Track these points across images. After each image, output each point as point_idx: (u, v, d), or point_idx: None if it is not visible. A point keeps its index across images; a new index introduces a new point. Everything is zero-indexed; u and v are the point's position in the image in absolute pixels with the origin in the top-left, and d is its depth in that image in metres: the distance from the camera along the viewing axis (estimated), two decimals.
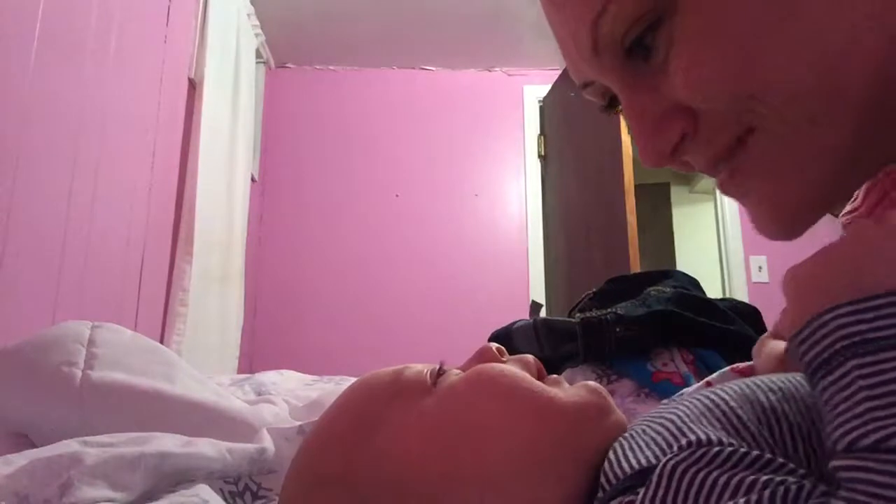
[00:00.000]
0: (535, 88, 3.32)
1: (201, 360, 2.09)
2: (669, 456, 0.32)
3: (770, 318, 0.55)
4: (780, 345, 0.49)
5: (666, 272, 0.97)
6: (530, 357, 0.45)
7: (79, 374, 0.66)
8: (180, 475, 0.54)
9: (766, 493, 0.27)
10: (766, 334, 0.53)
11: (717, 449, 0.31)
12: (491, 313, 2.47)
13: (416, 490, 0.39)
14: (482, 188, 3.28)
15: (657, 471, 0.31)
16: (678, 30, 0.35)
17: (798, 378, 0.37)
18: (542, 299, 3.06)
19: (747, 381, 0.38)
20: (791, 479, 0.28)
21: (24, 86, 1.34)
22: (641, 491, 0.31)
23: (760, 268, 3.11)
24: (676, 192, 4.73)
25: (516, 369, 0.43)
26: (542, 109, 3.33)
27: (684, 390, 0.52)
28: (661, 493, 0.30)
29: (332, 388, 0.95)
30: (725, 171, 0.40)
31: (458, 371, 0.45)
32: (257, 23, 2.84)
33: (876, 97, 0.35)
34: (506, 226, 3.24)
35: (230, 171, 2.48)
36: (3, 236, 1.27)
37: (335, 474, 0.41)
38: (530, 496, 0.38)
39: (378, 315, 3.07)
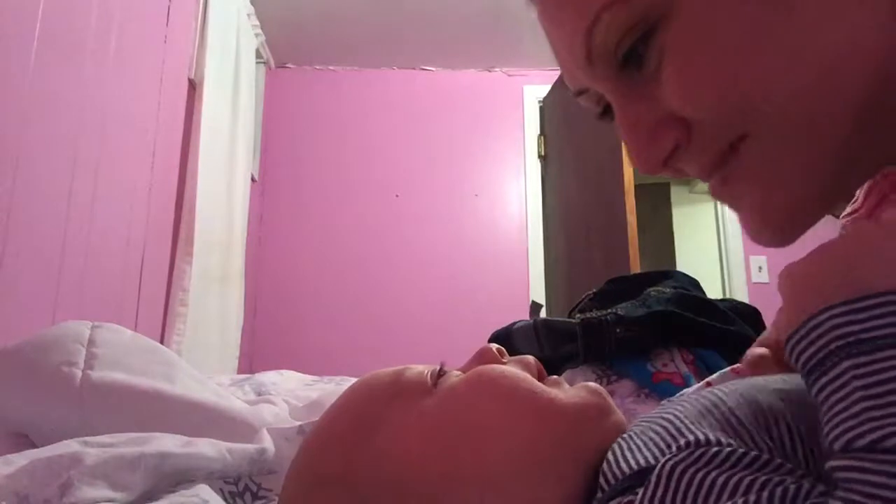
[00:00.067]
0: (535, 88, 3.32)
1: (201, 360, 2.09)
2: (668, 456, 0.32)
3: (770, 319, 0.55)
4: (759, 350, 0.50)
5: (666, 272, 0.97)
6: (531, 358, 0.45)
7: (79, 374, 0.66)
8: (180, 475, 0.54)
9: (765, 493, 0.27)
10: (755, 343, 0.54)
11: (715, 449, 0.31)
12: (491, 313, 2.47)
13: (417, 490, 0.39)
14: (482, 188, 3.28)
15: (656, 471, 0.31)
16: (670, 39, 0.35)
17: (797, 378, 0.37)
18: (542, 299, 3.06)
19: (747, 381, 0.38)
20: (789, 479, 0.28)
21: (24, 86, 1.34)
22: (640, 491, 0.31)
23: (760, 268, 3.11)
24: (676, 192, 4.73)
25: (517, 370, 0.43)
26: (542, 109, 3.33)
27: (684, 391, 0.52)
28: (659, 493, 0.30)
29: (332, 388, 0.95)
30: (718, 177, 0.40)
31: (459, 372, 0.45)
32: (257, 23, 2.84)
33: (876, 97, 0.35)
34: (506, 226, 3.24)
35: (230, 171, 2.48)
36: (3, 236, 1.27)
37: (335, 474, 0.41)
38: (530, 496, 0.38)
39: (378, 315, 3.07)
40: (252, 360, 2.91)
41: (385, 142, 3.30)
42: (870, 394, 0.25)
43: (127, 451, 0.51)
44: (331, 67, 3.39)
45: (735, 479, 0.29)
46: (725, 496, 0.28)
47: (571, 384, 0.44)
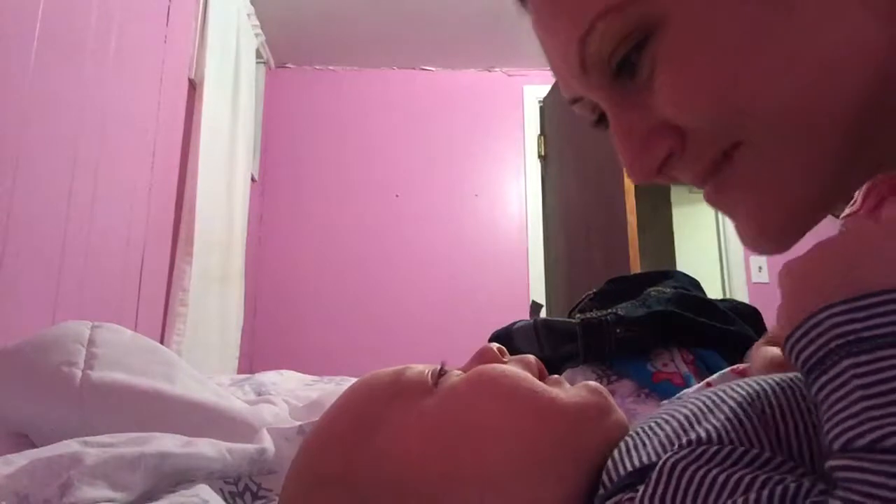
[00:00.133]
0: (535, 88, 3.32)
1: (201, 360, 2.09)
2: (670, 454, 0.32)
3: (770, 319, 0.55)
4: (773, 350, 0.50)
5: (666, 272, 0.97)
6: (531, 357, 0.45)
7: (79, 374, 0.66)
8: (180, 475, 0.54)
9: (765, 492, 0.27)
10: (761, 339, 0.53)
11: (717, 447, 0.31)
12: (491, 313, 2.47)
13: (417, 490, 0.39)
14: (482, 188, 3.28)
15: (657, 468, 0.31)
16: (663, 48, 0.35)
17: (798, 377, 0.37)
18: (542, 299, 3.06)
19: (748, 380, 0.38)
20: (790, 477, 0.28)
21: (24, 86, 1.34)
22: (641, 488, 0.31)
23: (760, 268, 3.11)
24: (676, 192, 4.72)
25: (518, 370, 0.43)
26: (542, 109, 3.33)
27: (685, 391, 0.52)
28: (660, 490, 0.30)
29: (332, 388, 0.95)
30: (712, 184, 0.40)
31: (459, 372, 0.45)
32: (257, 23, 2.84)
33: (876, 96, 0.35)
34: (506, 226, 3.24)
35: (230, 171, 2.48)
36: (3, 236, 1.27)
37: (335, 474, 0.41)
38: (531, 496, 0.38)
39: (378, 315, 3.07)
40: (252, 360, 2.91)
41: (385, 142, 3.30)
42: (870, 393, 0.25)
43: (127, 451, 0.51)
44: (331, 67, 3.39)
45: (736, 477, 0.29)
46: (726, 494, 0.28)
47: (572, 384, 0.43)
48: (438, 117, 3.34)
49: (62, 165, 1.48)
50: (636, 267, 2.36)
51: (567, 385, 0.43)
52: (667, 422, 0.36)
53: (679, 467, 0.31)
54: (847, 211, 0.52)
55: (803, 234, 0.39)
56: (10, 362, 0.68)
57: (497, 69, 3.40)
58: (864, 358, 0.26)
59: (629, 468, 0.34)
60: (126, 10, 1.73)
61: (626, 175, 2.52)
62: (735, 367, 0.57)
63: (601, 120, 0.43)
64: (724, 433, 0.32)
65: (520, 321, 0.94)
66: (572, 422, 0.40)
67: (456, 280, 3.13)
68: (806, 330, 0.29)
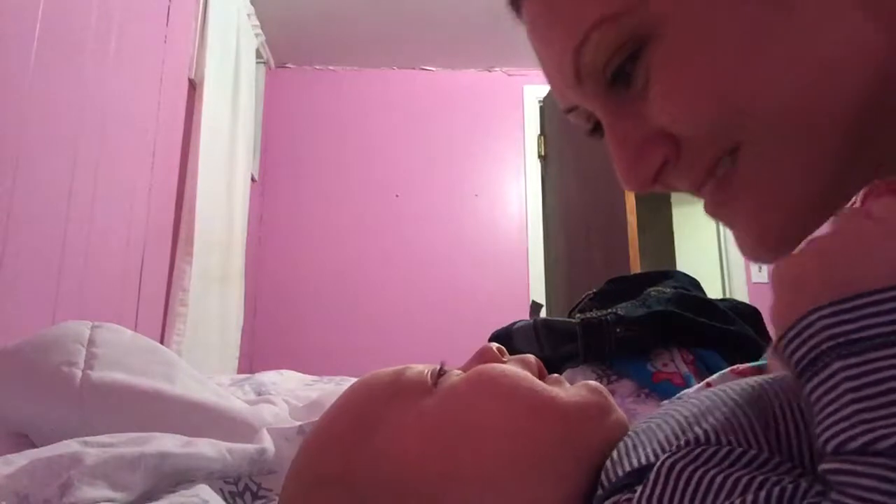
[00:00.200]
0: (535, 88, 3.32)
1: (201, 360, 2.09)
2: (668, 454, 0.32)
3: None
4: None
5: (666, 272, 0.97)
6: (531, 357, 0.45)
7: (79, 374, 0.66)
8: (180, 475, 0.54)
9: (762, 493, 0.27)
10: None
11: (715, 447, 0.31)
12: (491, 313, 2.47)
13: (416, 490, 0.39)
14: (482, 188, 3.28)
15: (655, 469, 0.31)
16: (657, 58, 0.36)
17: None
18: (542, 299, 3.06)
19: (747, 380, 0.38)
20: (787, 478, 0.28)
21: (24, 86, 1.34)
22: (639, 489, 0.31)
23: (760, 268, 3.10)
24: (676, 193, 4.72)
25: (517, 369, 0.43)
26: (542, 109, 3.33)
27: (685, 391, 0.52)
28: (658, 490, 0.30)
29: (332, 388, 0.95)
30: (710, 193, 0.40)
31: (459, 371, 0.45)
32: (257, 23, 2.84)
33: (876, 96, 0.35)
34: (506, 226, 3.24)
35: (230, 171, 2.48)
36: (3, 236, 1.27)
37: (334, 474, 0.41)
38: (530, 496, 0.38)
39: (378, 315, 3.07)
40: (252, 360, 2.91)
41: (385, 142, 3.30)
42: (860, 395, 0.25)
43: (127, 451, 0.51)
44: (331, 67, 3.39)
45: (734, 477, 0.29)
46: (724, 495, 0.28)
47: (572, 384, 0.43)
48: (438, 117, 3.34)
49: (62, 165, 1.48)
50: (636, 267, 2.36)
51: (567, 384, 0.43)
52: (666, 422, 0.36)
53: (677, 468, 0.31)
54: None
55: (801, 240, 0.38)
56: (10, 362, 0.68)
57: (497, 69, 3.40)
58: (853, 360, 0.26)
59: (627, 469, 0.34)
60: (126, 10, 1.73)
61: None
62: (735, 367, 0.57)
63: (596, 129, 0.43)
64: (722, 433, 0.32)
65: (520, 321, 0.94)
66: (572, 421, 0.40)
67: (456, 280, 3.13)
68: (797, 331, 0.28)
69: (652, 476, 0.31)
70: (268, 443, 0.64)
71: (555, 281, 3.07)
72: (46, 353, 0.68)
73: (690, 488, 0.30)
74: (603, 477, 0.36)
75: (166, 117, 2.01)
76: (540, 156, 3.30)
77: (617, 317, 0.81)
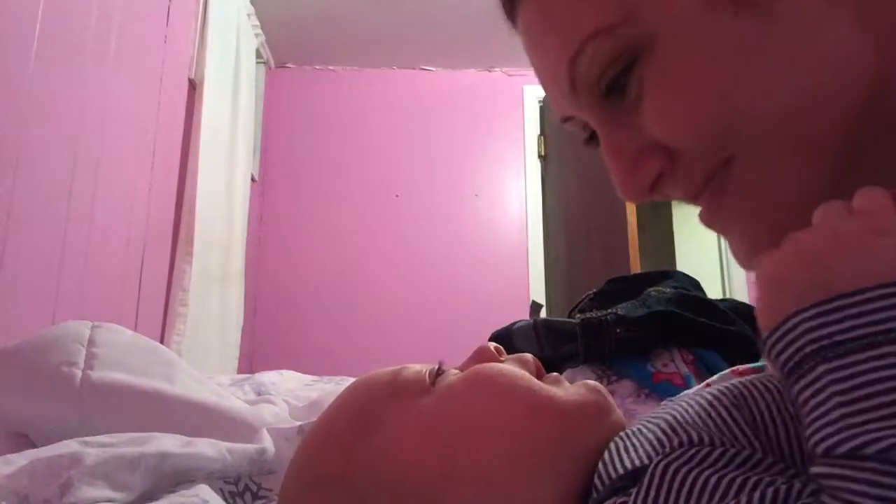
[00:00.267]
0: (535, 88, 3.32)
1: (201, 360, 2.09)
2: (661, 456, 0.32)
3: None
4: None
5: (666, 272, 0.97)
6: (529, 356, 0.45)
7: (79, 374, 0.66)
8: (180, 475, 0.54)
9: (756, 493, 0.27)
10: None
11: (708, 448, 0.31)
12: (491, 313, 2.47)
13: (415, 489, 0.39)
14: (482, 188, 3.28)
15: (649, 471, 0.31)
16: (651, 71, 0.36)
17: None
18: (542, 299, 3.06)
19: (745, 381, 0.38)
20: (780, 479, 0.28)
21: (24, 86, 1.34)
22: (633, 492, 0.31)
23: None
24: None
25: (515, 368, 0.43)
26: (542, 109, 3.33)
27: (685, 392, 0.52)
28: (652, 493, 0.30)
29: (332, 388, 0.95)
30: (706, 202, 0.40)
31: (457, 371, 0.45)
32: (257, 23, 2.84)
33: (869, 106, 0.35)
34: (506, 226, 3.24)
35: (230, 171, 2.48)
36: (3, 236, 1.27)
37: (333, 474, 0.41)
38: (529, 495, 0.38)
39: (378, 315, 3.06)
40: (252, 360, 2.91)
41: (385, 142, 3.30)
42: (846, 399, 0.25)
43: (127, 451, 0.51)
44: (331, 67, 3.39)
45: (727, 478, 0.29)
46: (718, 496, 0.28)
47: (571, 384, 0.43)
48: (438, 117, 3.34)
49: (62, 165, 1.48)
50: (636, 267, 2.36)
51: (566, 383, 0.43)
52: (661, 422, 0.36)
53: (671, 469, 0.31)
54: None
55: None
56: (10, 362, 0.68)
57: (497, 69, 3.40)
58: (837, 363, 0.26)
59: (620, 471, 0.34)
60: (126, 10, 1.73)
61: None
62: (735, 367, 0.57)
63: (593, 138, 0.43)
64: (715, 434, 0.32)
65: (520, 321, 0.94)
66: (570, 420, 0.40)
67: (456, 280, 3.13)
68: (781, 334, 0.28)
69: (646, 479, 0.31)
70: (268, 443, 0.64)
71: (555, 281, 3.07)
72: (46, 353, 0.68)
73: (685, 490, 0.30)
74: (596, 479, 0.36)
75: (166, 117, 2.01)
76: (540, 156, 3.30)
77: (617, 317, 0.81)
